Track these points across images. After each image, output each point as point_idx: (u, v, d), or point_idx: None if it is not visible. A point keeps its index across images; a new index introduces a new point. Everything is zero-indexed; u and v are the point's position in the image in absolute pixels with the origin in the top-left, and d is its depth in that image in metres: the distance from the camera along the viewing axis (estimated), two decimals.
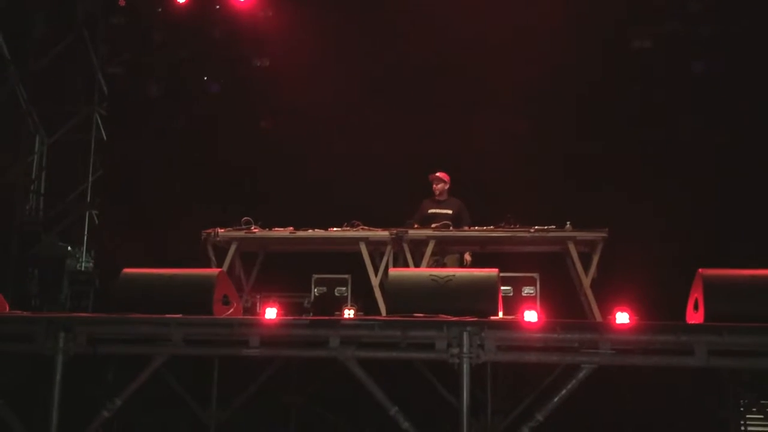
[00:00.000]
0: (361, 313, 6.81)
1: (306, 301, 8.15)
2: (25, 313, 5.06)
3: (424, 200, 8.24)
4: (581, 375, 3.77)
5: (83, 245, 11.43)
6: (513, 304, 7.33)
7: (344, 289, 8.12)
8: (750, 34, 9.28)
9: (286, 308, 7.49)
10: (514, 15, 9.32)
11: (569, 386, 3.77)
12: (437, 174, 8.18)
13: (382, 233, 7.41)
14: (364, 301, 7.69)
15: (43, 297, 10.02)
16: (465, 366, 3.74)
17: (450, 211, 8.00)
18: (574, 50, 9.32)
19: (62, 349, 4.11)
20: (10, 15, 10.72)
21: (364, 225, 7.51)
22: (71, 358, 4.15)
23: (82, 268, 11.02)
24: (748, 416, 6.02)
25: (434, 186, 8.18)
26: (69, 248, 10.74)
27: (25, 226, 10.75)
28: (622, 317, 4.28)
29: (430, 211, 8.08)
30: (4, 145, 10.63)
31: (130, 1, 10.62)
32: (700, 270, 4.24)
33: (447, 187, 8.20)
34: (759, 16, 9.13)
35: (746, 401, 5.99)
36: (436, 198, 8.20)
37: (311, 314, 7.83)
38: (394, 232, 7.39)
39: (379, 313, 6.69)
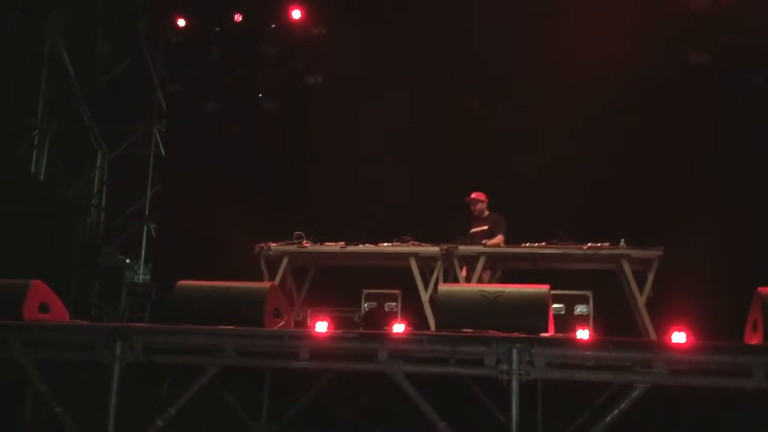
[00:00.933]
0: (411, 329, 6.82)
1: (356, 316, 8.19)
2: (84, 323, 5.21)
3: (469, 221, 8.23)
4: (634, 394, 3.69)
5: (141, 258, 11.75)
6: (565, 323, 7.23)
7: (394, 304, 8.14)
8: None
9: (336, 322, 7.57)
10: (568, 30, 9.25)
11: (622, 405, 3.70)
12: (472, 196, 8.18)
13: (432, 249, 7.42)
14: (413, 316, 7.69)
15: (102, 308, 10.33)
16: (514, 383, 3.70)
17: (486, 227, 7.97)
18: (630, 64, 9.19)
19: (119, 357, 4.21)
20: (75, 34, 11.17)
21: (415, 240, 7.53)
22: (127, 367, 4.26)
23: (140, 280, 11.34)
24: None
25: (472, 208, 8.18)
26: (128, 261, 11.06)
27: (87, 239, 11.11)
28: (678, 337, 4.18)
29: (471, 231, 8.08)
30: (67, 160, 11.04)
31: (189, 20, 10.91)
32: (759, 289, 4.12)
33: (484, 205, 8.18)
34: None
35: None
36: (476, 217, 8.19)
37: (361, 329, 7.87)
38: (445, 247, 7.39)
39: (429, 329, 6.68)
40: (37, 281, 4.94)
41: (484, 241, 7.59)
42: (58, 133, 11.25)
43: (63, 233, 9.94)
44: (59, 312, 5.04)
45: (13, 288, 4.80)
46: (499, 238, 7.77)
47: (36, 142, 11.16)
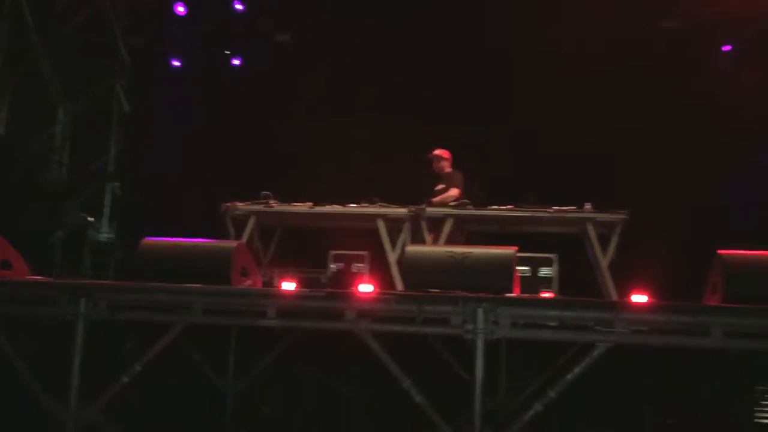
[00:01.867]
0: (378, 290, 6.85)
1: (323, 277, 8.20)
2: (46, 279, 5.14)
3: (434, 180, 8.22)
4: (596, 353, 3.77)
5: (104, 216, 11.55)
6: (531, 285, 7.33)
7: (362, 265, 8.15)
8: None
9: (303, 283, 7.53)
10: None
11: (583, 364, 3.78)
12: (434, 153, 8.10)
13: (400, 210, 7.43)
14: (381, 278, 7.73)
15: (65, 266, 10.16)
16: (479, 342, 3.76)
17: (444, 185, 7.96)
18: (605, 29, 9.20)
19: (83, 314, 4.17)
20: None
21: (383, 202, 7.52)
22: (92, 324, 4.22)
23: (104, 239, 11.15)
24: (762, 403, 5.99)
25: (433, 165, 8.12)
26: (91, 219, 10.86)
27: (48, 195, 10.86)
28: (639, 299, 4.27)
29: (435, 189, 8.05)
30: (27, 115, 10.73)
31: None
32: (719, 252, 4.21)
33: (447, 163, 8.10)
34: None
35: (761, 388, 5.95)
36: (437, 175, 8.14)
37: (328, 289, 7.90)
38: (413, 209, 7.41)
39: (395, 290, 6.72)
40: None
41: (434, 199, 7.61)
42: (17, 87, 10.91)
43: (23, 189, 9.72)
44: (20, 269, 4.95)
45: None
46: (452, 191, 7.74)
47: None
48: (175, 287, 4.27)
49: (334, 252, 8.16)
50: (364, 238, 8.01)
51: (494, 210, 7.41)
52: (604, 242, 7.19)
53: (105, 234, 11.38)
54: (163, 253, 4.82)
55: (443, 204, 7.62)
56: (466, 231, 7.87)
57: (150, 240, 4.90)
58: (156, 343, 4.25)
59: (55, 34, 10.86)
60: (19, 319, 4.54)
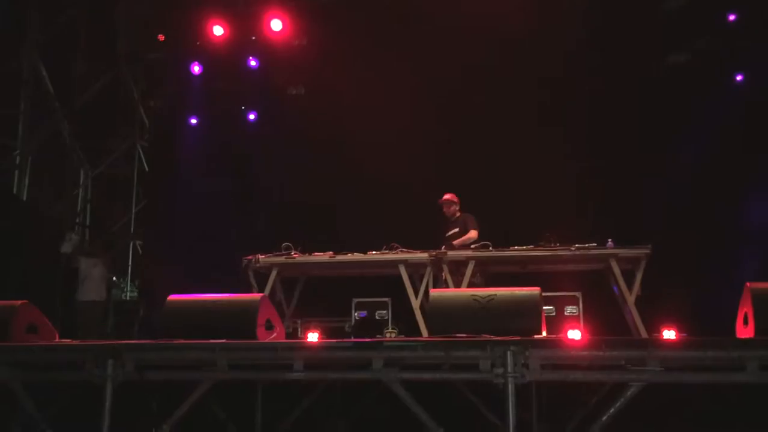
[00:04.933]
0: (403, 336, 6.80)
1: (347, 325, 8.17)
2: (73, 342, 5.15)
3: (445, 224, 8.23)
4: (629, 393, 3.69)
5: (128, 275, 11.64)
6: (556, 324, 7.25)
7: (385, 312, 8.13)
8: None
9: (327, 333, 7.54)
10: (546, 32, 9.29)
11: (617, 405, 3.70)
12: (444, 197, 8.19)
13: (421, 255, 7.42)
14: (404, 323, 7.68)
15: (89, 328, 10.19)
16: (510, 386, 3.69)
17: (457, 229, 7.98)
18: (611, 67, 9.26)
19: (111, 376, 4.16)
20: (53, 52, 11.09)
21: (403, 248, 7.52)
22: (119, 386, 4.21)
23: (127, 298, 11.22)
24: None
25: (444, 210, 8.17)
26: (114, 278, 10.94)
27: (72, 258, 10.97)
28: (668, 334, 4.20)
29: (446, 234, 8.08)
30: (50, 180, 10.92)
31: (168, 35, 10.87)
32: (748, 284, 4.15)
33: (456, 207, 8.17)
34: None
35: None
36: (448, 220, 8.19)
37: (352, 338, 7.84)
38: (434, 253, 7.39)
39: (421, 336, 6.66)
40: (24, 302, 4.88)
41: (454, 242, 7.63)
42: (39, 153, 11.15)
43: (48, 253, 9.82)
44: (47, 333, 4.98)
45: (0, 310, 4.74)
46: (471, 234, 7.77)
47: (17, 162, 11.05)
48: (201, 344, 4.26)
49: (356, 300, 8.15)
50: (385, 285, 7.99)
51: (516, 251, 7.37)
52: (628, 278, 7.12)
53: (129, 292, 11.46)
54: (187, 310, 4.84)
55: (464, 247, 7.62)
56: (487, 273, 7.83)
57: (174, 297, 4.92)
58: (184, 402, 4.21)
59: (75, 99, 11.13)
60: (47, 383, 4.54)
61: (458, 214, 8.15)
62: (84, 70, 11.42)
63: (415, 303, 7.33)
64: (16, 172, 11.04)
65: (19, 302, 4.82)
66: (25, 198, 10.98)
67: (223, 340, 4.29)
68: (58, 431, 4.38)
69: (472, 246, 7.60)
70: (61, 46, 11.20)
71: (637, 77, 9.46)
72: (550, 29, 9.18)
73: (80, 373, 4.27)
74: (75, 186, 11.63)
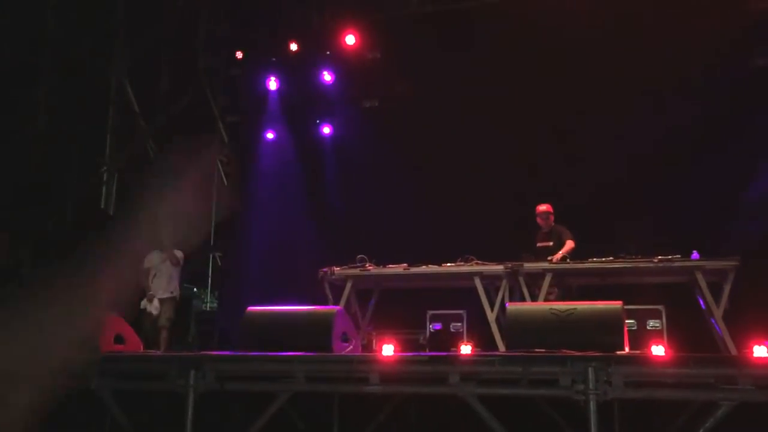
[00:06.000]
0: (478, 349, 6.72)
1: (421, 337, 8.14)
2: (158, 353, 5.32)
3: (535, 235, 8.09)
4: (719, 413, 3.53)
5: (208, 286, 11.95)
6: (638, 339, 7.04)
7: (459, 324, 8.08)
8: None
9: (401, 345, 7.53)
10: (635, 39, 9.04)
11: (707, 425, 3.54)
12: (542, 208, 8.00)
13: (496, 267, 7.32)
14: (479, 336, 7.60)
15: (171, 338, 10.51)
16: (592, 403, 3.59)
17: (551, 243, 7.81)
18: (698, 71, 8.93)
19: (193, 386, 4.27)
20: (138, 71, 11.56)
21: (478, 260, 7.45)
22: (201, 395, 4.32)
23: (207, 308, 11.51)
24: None
25: (540, 221, 8.01)
26: (195, 289, 11.25)
27: None
28: (759, 350, 4.00)
29: (538, 245, 7.93)
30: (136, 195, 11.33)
31: (246, 52, 11.15)
32: None
33: (552, 218, 8.00)
34: None
35: None
36: (541, 231, 8.03)
37: (427, 350, 7.81)
38: (509, 266, 7.28)
39: (495, 349, 6.58)
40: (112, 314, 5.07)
41: (549, 258, 7.44)
42: (124, 169, 11.62)
43: (133, 266, 10.18)
44: (133, 343, 5.16)
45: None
46: (570, 244, 7.60)
47: (105, 178, 11.55)
48: (280, 356, 4.33)
49: (431, 312, 8.12)
50: (460, 297, 7.93)
51: (596, 262, 7.17)
52: (714, 291, 6.83)
53: (209, 303, 11.76)
54: (266, 322, 4.94)
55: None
56: (564, 285, 7.66)
57: (253, 310, 5.03)
58: (263, 412, 4.28)
59: (159, 117, 11.56)
60: (133, 392, 4.70)
61: (551, 225, 7.99)
62: (167, 87, 11.85)
63: (491, 316, 7.23)
64: (104, 187, 11.55)
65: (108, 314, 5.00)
66: (112, 212, 11.45)
67: (301, 353, 4.34)
68: None
69: (548, 258, 7.44)
70: (144, 65, 11.66)
71: (723, 78, 9.08)
72: (628, 31, 8.96)
73: (164, 383, 4.41)
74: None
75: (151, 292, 7.76)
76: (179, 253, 7.95)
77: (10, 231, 8.21)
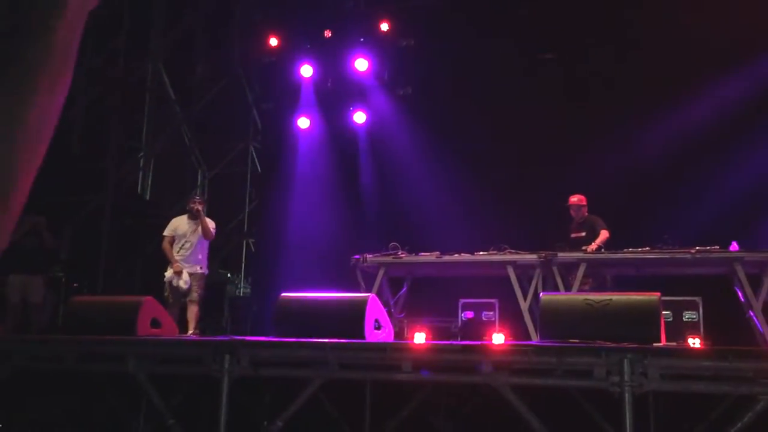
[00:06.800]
0: (510, 339, 6.69)
1: (453, 326, 8.13)
2: (194, 337, 5.39)
3: (569, 226, 8.02)
4: (758, 407, 3.46)
5: (241, 272, 12.09)
6: (674, 330, 6.93)
7: (492, 313, 8.04)
8: None
9: (433, 333, 7.54)
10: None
11: (745, 420, 3.48)
12: (574, 200, 7.98)
13: (530, 257, 7.27)
14: (511, 326, 7.56)
15: (206, 321, 10.67)
16: (627, 395, 3.55)
17: (584, 234, 7.74)
18: (744, 55, 8.72)
19: (228, 371, 4.32)
20: (173, 59, 11.68)
21: (512, 249, 7.40)
22: (235, 380, 4.36)
23: (241, 294, 11.64)
24: None
25: (573, 212, 7.97)
26: (228, 275, 11.38)
27: None
28: None
29: (572, 236, 7.87)
30: (172, 180, 11.49)
31: (280, 39, 11.18)
32: None
33: (585, 208, 7.95)
34: None
35: None
36: (575, 221, 7.97)
37: (459, 338, 7.80)
38: (543, 255, 7.22)
39: (528, 339, 6.54)
40: (149, 297, 5.15)
41: (584, 248, 7.37)
42: (161, 155, 11.77)
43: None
44: (169, 327, 5.24)
45: (127, 305, 5.03)
46: (604, 234, 7.55)
47: (141, 164, 11.72)
48: (313, 343, 4.34)
49: (463, 300, 8.10)
50: (492, 285, 7.89)
51: (632, 253, 7.08)
52: (753, 282, 6.70)
53: (242, 289, 11.89)
54: (298, 308, 4.97)
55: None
56: (598, 276, 7.58)
57: (286, 296, 5.07)
58: (296, 398, 4.31)
59: (194, 104, 11.67)
60: (168, 375, 4.77)
61: (585, 216, 7.94)
62: (202, 75, 11.96)
63: (524, 305, 7.19)
64: (140, 173, 11.72)
65: (144, 297, 5.09)
66: (148, 198, 11.62)
67: (334, 340, 4.36)
68: (179, 421, 4.59)
69: (583, 248, 7.37)
70: (180, 53, 11.78)
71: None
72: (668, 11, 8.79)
73: (200, 367, 4.46)
74: (193, 186, 12.19)
75: (177, 263, 7.13)
76: (212, 224, 7.36)
77: (46, 215, 8.32)
